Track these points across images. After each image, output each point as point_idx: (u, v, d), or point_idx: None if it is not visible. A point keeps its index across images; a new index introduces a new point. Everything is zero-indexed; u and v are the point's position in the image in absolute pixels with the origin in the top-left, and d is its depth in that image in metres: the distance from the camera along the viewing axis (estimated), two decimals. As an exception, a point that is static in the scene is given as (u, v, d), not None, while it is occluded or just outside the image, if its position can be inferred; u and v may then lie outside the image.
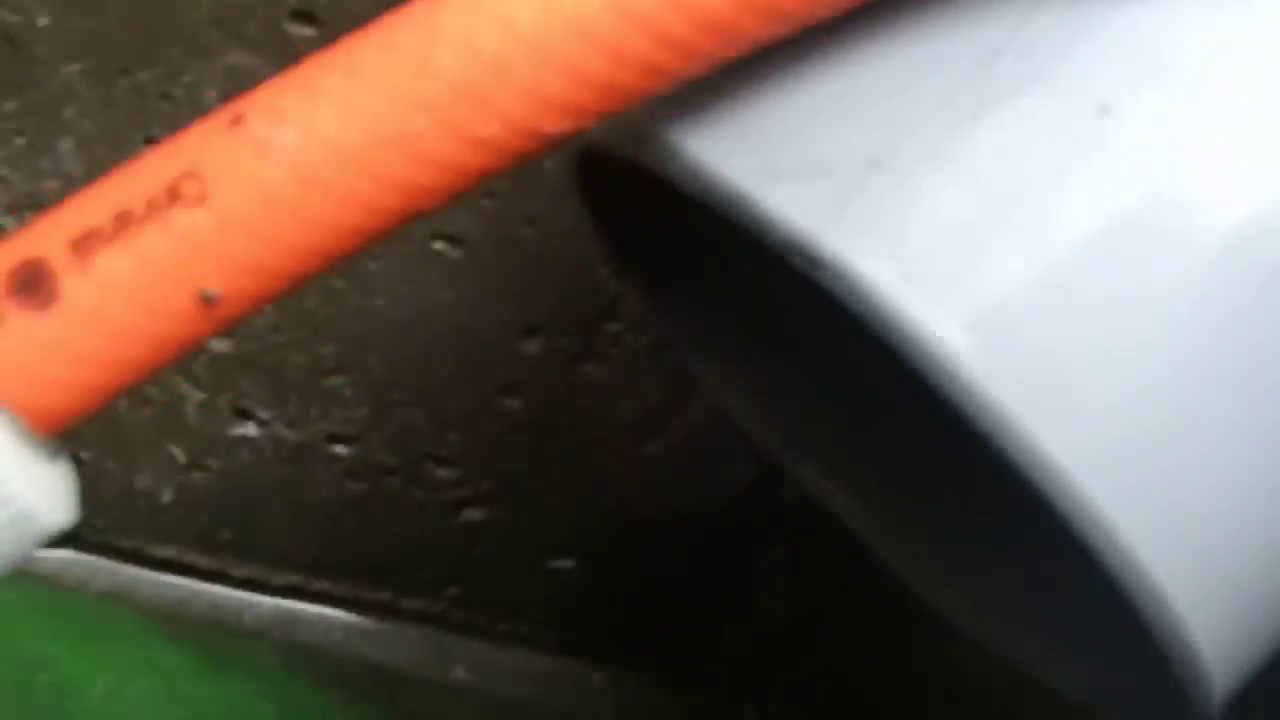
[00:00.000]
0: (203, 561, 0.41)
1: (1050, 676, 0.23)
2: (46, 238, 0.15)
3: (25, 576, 0.40)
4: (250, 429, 0.38)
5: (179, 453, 0.38)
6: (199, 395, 0.37)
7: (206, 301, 0.15)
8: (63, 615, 0.39)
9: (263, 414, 0.37)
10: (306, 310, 0.35)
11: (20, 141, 0.32)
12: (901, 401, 0.24)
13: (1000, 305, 0.15)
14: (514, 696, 0.44)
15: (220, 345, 0.36)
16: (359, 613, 0.43)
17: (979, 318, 0.15)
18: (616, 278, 0.35)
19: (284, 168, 0.15)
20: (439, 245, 0.35)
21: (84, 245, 0.15)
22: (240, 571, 0.41)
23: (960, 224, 0.15)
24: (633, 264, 0.26)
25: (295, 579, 0.42)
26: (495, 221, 0.35)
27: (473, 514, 0.40)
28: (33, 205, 0.32)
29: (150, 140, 0.32)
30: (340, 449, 0.38)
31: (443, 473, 0.39)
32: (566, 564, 0.42)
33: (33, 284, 0.15)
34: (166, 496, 0.39)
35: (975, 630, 0.25)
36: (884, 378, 0.24)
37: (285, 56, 0.17)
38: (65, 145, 0.32)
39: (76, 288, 0.15)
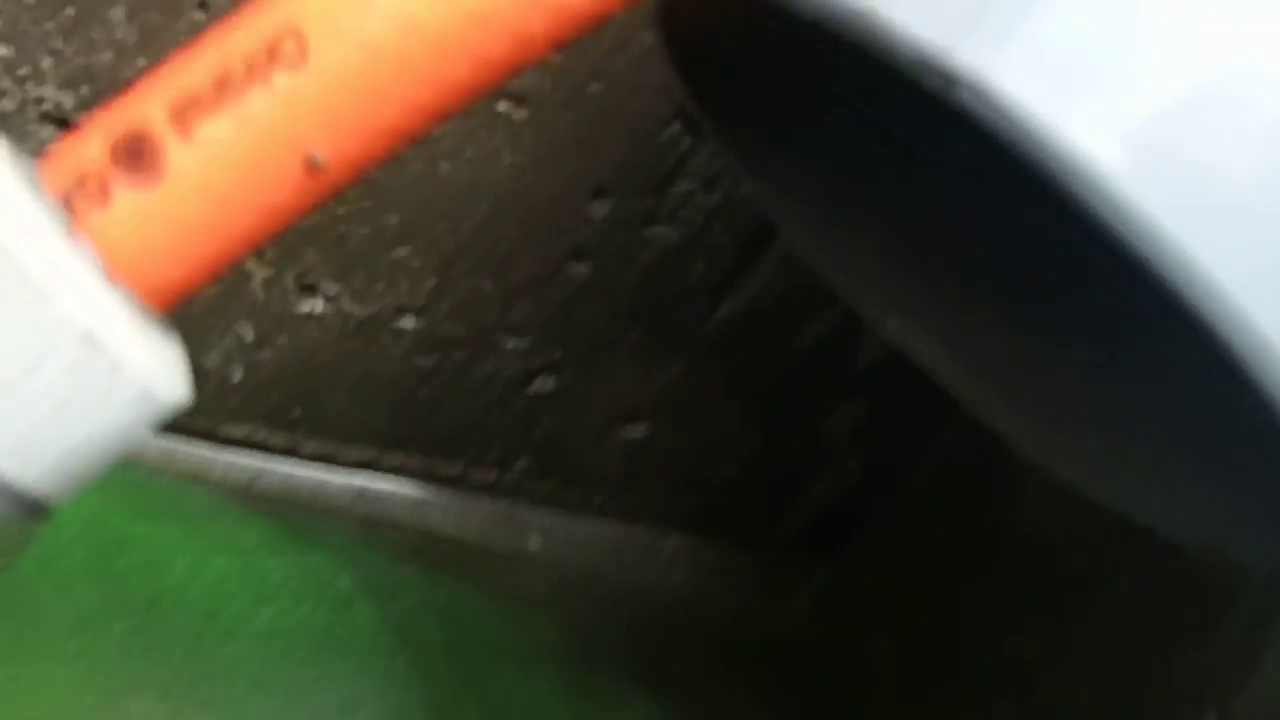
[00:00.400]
0: (275, 439, 0.41)
1: (1163, 522, 0.23)
2: (147, 107, 0.15)
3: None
4: (317, 305, 0.37)
5: (247, 331, 0.37)
6: (264, 272, 0.36)
7: (313, 167, 0.15)
8: (141, 496, 0.39)
9: (329, 289, 0.37)
10: (369, 180, 0.34)
11: (69, 12, 0.31)
12: (998, 241, 0.23)
13: (1158, 119, 0.14)
14: (589, 566, 0.44)
15: (283, 219, 0.35)
16: (432, 486, 0.43)
17: (1135, 134, 0.14)
18: (695, 123, 0.34)
19: (386, 20, 0.14)
20: (503, 106, 0.34)
21: (186, 113, 0.14)
22: (312, 448, 0.41)
23: (1112, 30, 0.14)
24: (712, 110, 0.25)
25: (367, 454, 0.42)
26: (561, 78, 0.33)
27: (543, 384, 0.40)
28: (89, 78, 0.31)
29: (204, 4, 0.30)
30: (408, 322, 0.38)
31: (511, 343, 0.38)
32: (638, 431, 0.42)
33: (138, 155, 0.14)
34: (236, 376, 0.39)
35: (1078, 482, 0.25)
36: (982, 214, 0.23)
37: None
38: (116, 13, 0.31)
39: (182, 157, 0.14)
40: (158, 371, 0.15)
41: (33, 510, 0.15)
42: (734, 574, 0.45)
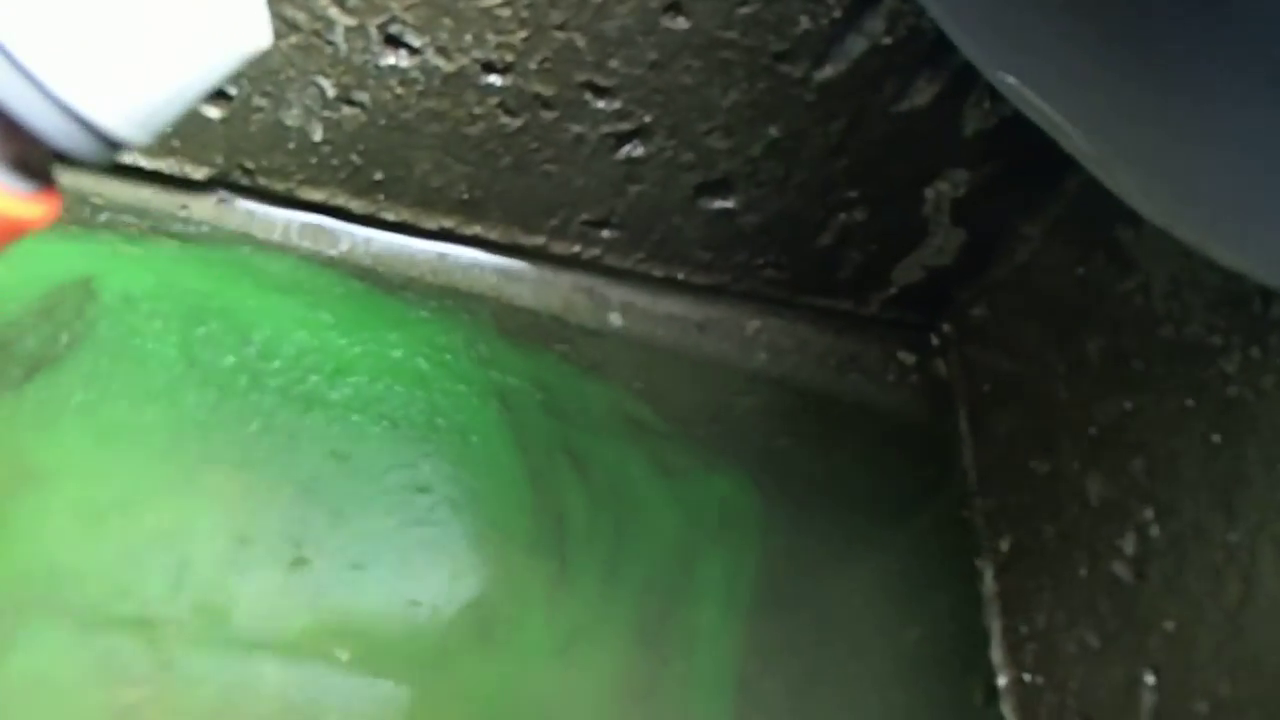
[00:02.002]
0: (354, 205, 0.39)
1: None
2: None
3: (179, 223, 0.39)
4: (401, 58, 0.35)
5: (328, 85, 0.36)
6: (348, 20, 0.34)
7: None
8: (219, 264, 0.38)
9: (414, 41, 0.35)
10: (459, -82, 0.32)
11: None
12: None
13: None
14: (669, 342, 0.43)
15: (368, -39, 0.33)
16: (512, 257, 0.42)
17: None
18: None
19: None
20: None
21: None
22: (392, 215, 0.40)
23: None
24: None
25: (447, 223, 0.40)
26: None
27: (633, 150, 0.38)
28: None
29: None
30: (495, 79, 0.36)
31: (602, 104, 0.37)
32: (728, 204, 0.40)
33: None
34: (316, 134, 0.37)
35: (1202, 240, 0.23)
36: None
37: None
38: None
39: None
40: (240, 11, 0.14)
41: (105, 146, 0.14)
42: (815, 356, 0.45)
